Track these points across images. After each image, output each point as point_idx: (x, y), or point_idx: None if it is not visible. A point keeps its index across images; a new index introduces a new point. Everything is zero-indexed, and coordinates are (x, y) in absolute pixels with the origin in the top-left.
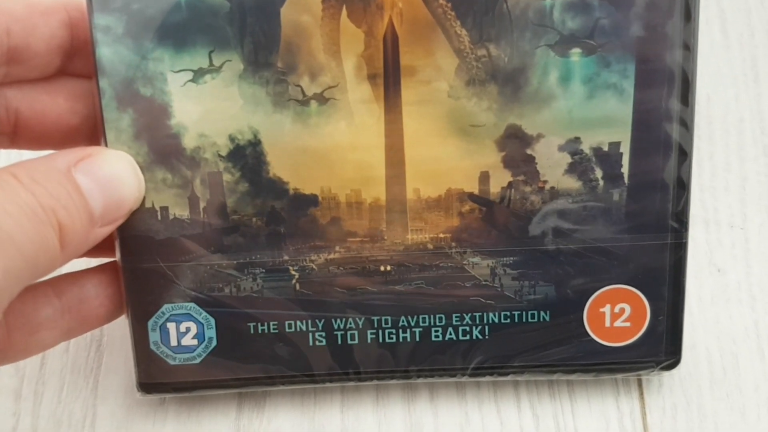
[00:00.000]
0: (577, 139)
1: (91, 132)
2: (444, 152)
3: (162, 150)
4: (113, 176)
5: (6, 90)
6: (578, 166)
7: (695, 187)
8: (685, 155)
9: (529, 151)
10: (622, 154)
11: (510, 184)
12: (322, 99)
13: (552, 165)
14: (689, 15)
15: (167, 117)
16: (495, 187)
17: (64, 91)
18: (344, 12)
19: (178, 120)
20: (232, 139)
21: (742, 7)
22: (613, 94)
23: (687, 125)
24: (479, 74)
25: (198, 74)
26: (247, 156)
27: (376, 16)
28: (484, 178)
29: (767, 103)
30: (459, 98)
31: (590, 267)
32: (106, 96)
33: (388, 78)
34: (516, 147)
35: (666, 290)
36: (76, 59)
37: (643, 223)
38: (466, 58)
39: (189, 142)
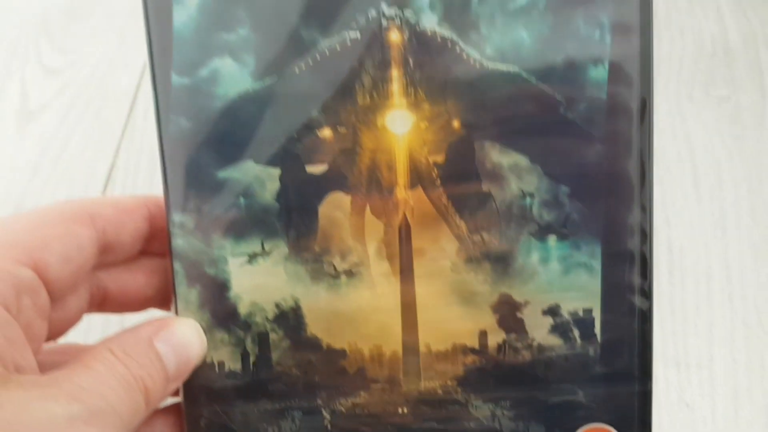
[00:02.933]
0: (557, 306)
1: (161, 298)
2: (449, 315)
3: (221, 316)
4: (184, 342)
5: (98, 272)
6: (559, 327)
7: (668, 331)
8: (646, 319)
9: (518, 315)
10: (594, 318)
11: (504, 341)
12: (350, 274)
13: (537, 326)
14: (644, 207)
15: (226, 290)
16: (492, 343)
17: (142, 269)
18: (368, 208)
19: (235, 292)
20: (277, 305)
21: (712, 162)
22: (585, 271)
23: (647, 295)
24: (476, 254)
25: (252, 257)
26: (289, 319)
27: (393, 211)
28: (483, 336)
29: (733, 254)
30: (460, 273)
31: (573, 409)
32: (178, 276)
33: (403, 257)
34: (508, 311)
35: (636, 427)
36: (153, 243)
37: (614, 373)
38: (465, 242)
39: (243, 309)
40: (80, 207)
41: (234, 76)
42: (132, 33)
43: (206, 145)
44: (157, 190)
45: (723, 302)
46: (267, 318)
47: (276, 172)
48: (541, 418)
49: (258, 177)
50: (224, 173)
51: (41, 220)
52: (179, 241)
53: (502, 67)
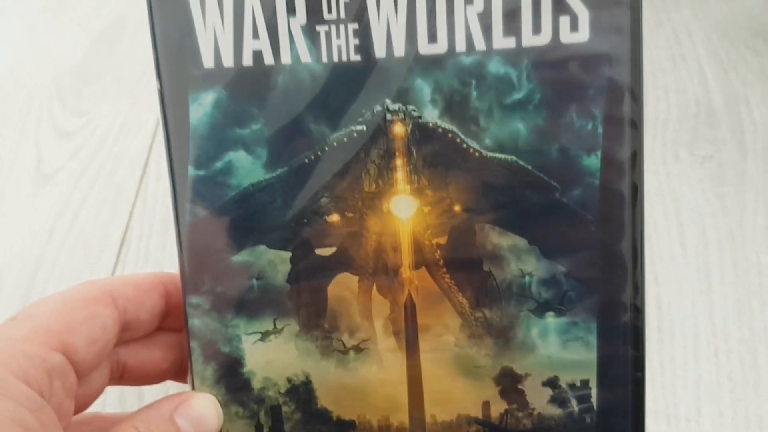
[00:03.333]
0: (556, 378)
1: (177, 371)
2: (454, 387)
3: (236, 390)
4: (202, 415)
5: (118, 348)
6: (558, 397)
7: (658, 385)
8: (640, 388)
9: (519, 386)
10: (591, 388)
11: (506, 411)
12: (358, 349)
13: (538, 397)
14: (637, 286)
15: (241, 366)
16: (495, 413)
17: (159, 344)
18: (374, 288)
19: (249, 368)
20: (289, 380)
21: (697, 220)
22: (581, 345)
23: (641, 366)
24: (478, 330)
25: (265, 335)
26: (300, 393)
27: (399, 290)
28: (486, 406)
29: (718, 309)
30: (463, 347)
31: None
32: (195, 353)
33: (409, 333)
34: (509, 383)
35: None
36: (169, 319)
37: None
38: (468, 318)
39: (256, 383)
40: (102, 289)
41: (247, 168)
42: (142, 96)
43: (221, 231)
44: (170, 253)
45: (709, 357)
46: (279, 392)
47: (287, 255)
48: None
49: (270, 260)
50: (238, 257)
51: (68, 304)
52: (195, 321)
53: (500, 156)
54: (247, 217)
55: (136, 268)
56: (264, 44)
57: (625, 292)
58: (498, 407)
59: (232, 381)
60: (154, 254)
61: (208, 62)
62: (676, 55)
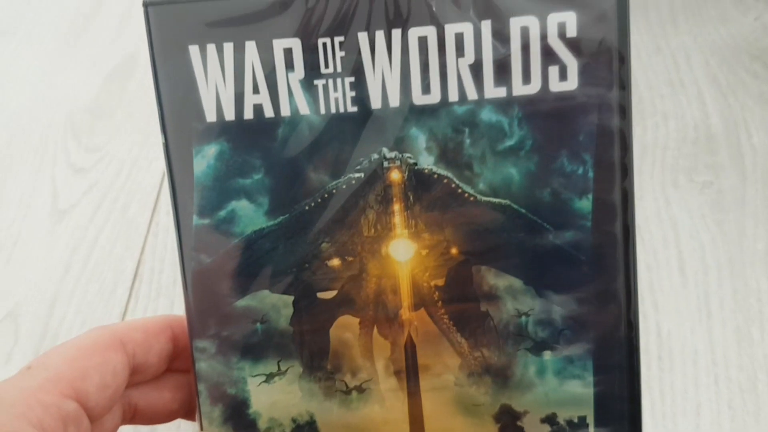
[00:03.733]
0: (554, 414)
1: (187, 410)
2: (454, 425)
3: (242, 431)
4: None
5: (129, 390)
6: None
7: (658, 413)
8: (636, 423)
9: (518, 423)
10: (588, 424)
11: None
12: (360, 389)
13: None
14: (631, 323)
15: (246, 407)
16: None
17: (168, 385)
18: (375, 329)
19: (255, 409)
20: (294, 420)
21: (696, 247)
22: (578, 382)
23: (637, 401)
24: (477, 369)
25: (269, 377)
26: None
27: (399, 331)
28: None
29: (718, 336)
30: (463, 386)
31: None
32: (202, 396)
33: (409, 373)
34: (508, 421)
35: None
36: (177, 361)
37: None
38: (467, 358)
39: (262, 424)
40: (112, 334)
41: (250, 216)
42: (154, 131)
43: (225, 277)
44: (181, 287)
45: (709, 385)
46: None
47: (290, 299)
48: None
49: (273, 305)
50: (242, 302)
51: (80, 351)
52: (202, 365)
53: (495, 200)
54: (250, 264)
55: (148, 302)
56: (264, 98)
57: (620, 329)
58: None
59: (239, 422)
60: (166, 288)
61: (210, 116)
62: (674, 81)
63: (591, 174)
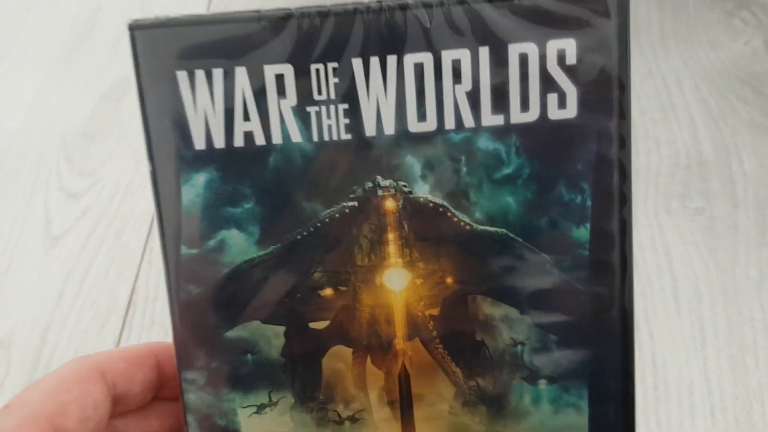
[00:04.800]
0: None
1: None
2: None
3: None
4: None
5: (114, 420)
6: None
7: None
8: None
9: None
10: None
11: None
12: (353, 419)
13: None
14: (627, 350)
15: None
16: None
17: (156, 414)
18: (369, 360)
19: None
20: None
21: (690, 275)
22: (573, 411)
23: (631, 429)
24: (471, 398)
25: (260, 408)
26: None
27: (392, 361)
28: None
29: (713, 366)
30: (458, 415)
31: None
32: (191, 427)
33: (403, 403)
34: None
35: None
36: (163, 389)
37: None
38: (461, 387)
39: None
40: (91, 365)
41: (240, 246)
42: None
43: (214, 308)
44: None
45: (705, 415)
46: None
47: (281, 329)
48: None
49: (264, 335)
50: (232, 333)
51: (58, 385)
52: (191, 396)
53: (491, 229)
54: (240, 294)
55: (142, 331)
56: (255, 125)
57: (615, 358)
58: None
59: None
60: (160, 316)
61: (199, 144)
62: (666, 105)
63: (589, 203)
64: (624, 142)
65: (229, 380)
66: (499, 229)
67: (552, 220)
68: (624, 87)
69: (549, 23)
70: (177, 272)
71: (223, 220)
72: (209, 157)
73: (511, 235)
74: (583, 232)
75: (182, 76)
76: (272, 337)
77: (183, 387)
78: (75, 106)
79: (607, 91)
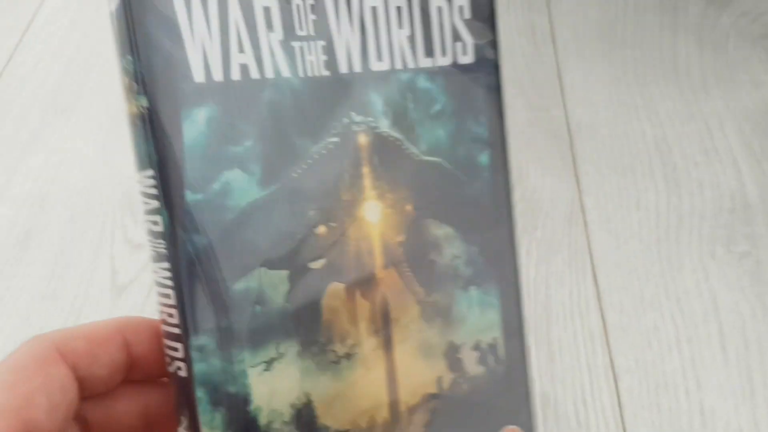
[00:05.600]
0: (479, 341)
1: (146, 424)
2: (418, 371)
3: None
4: None
5: (82, 404)
6: (482, 358)
7: None
8: (521, 337)
9: (458, 356)
10: (498, 345)
11: (452, 381)
12: (348, 356)
13: (470, 361)
14: (514, 253)
15: (247, 404)
16: (446, 386)
17: (124, 399)
18: (358, 292)
19: (256, 404)
20: (292, 406)
21: (737, 321)
22: (492, 309)
23: (522, 320)
24: (431, 314)
25: (269, 363)
26: (303, 416)
27: (375, 291)
28: (439, 381)
29: (762, 415)
30: (422, 332)
31: (492, 414)
32: (202, 403)
33: (386, 330)
34: (452, 355)
35: (532, 419)
36: (134, 371)
37: (515, 384)
38: (424, 305)
39: (263, 419)
40: (49, 345)
41: (243, 188)
42: None
43: (222, 259)
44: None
45: None
46: (284, 421)
47: (285, 274)
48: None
49: (270, 282)
50: (240, 285)
51: (17, 373)
52: (201, 366)
53: (431, 159)
54: (246, 240)
55: None
56: (249, 58)
57: (515, 260)
58: (447, 379)
59: (241, 423)
60: None
61: (198, 76)
62: (708, 148)
63: (486, 134)
64: (500, 88)
65: (240, 338)
66: (436, 159)
67: (467, 149)
68: (496, 45)
69: None
70: (182, 222)
71: (226, 160)
72: (209, 90)
73: (444, 163)
74: (485, 158)
75: (179, 3)
76: (278, 283)
77: (192, 357)
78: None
79: (493, 44)
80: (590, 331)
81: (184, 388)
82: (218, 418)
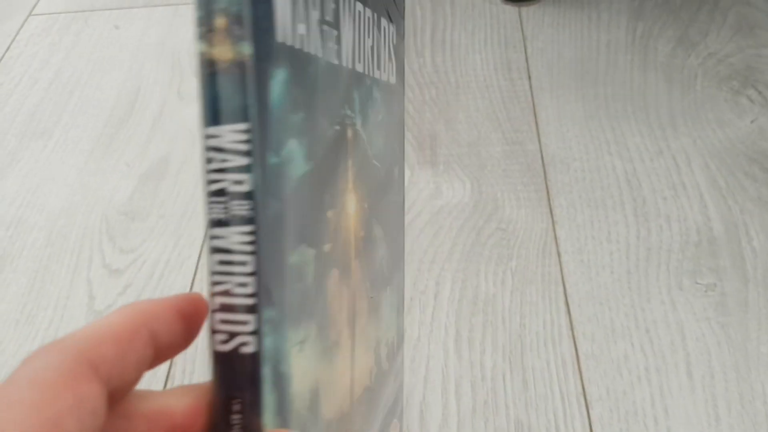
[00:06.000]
0: (386, 339)
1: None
2: (364, 364)
3: (285, 415)
4: None
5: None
6: (388, 354)
7: None
8: None
9: (379, 351)
10: (401, 347)
11: (375, 373)
12: (336, 344)
13: (384, 356)
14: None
15: (289, 386)
16: (372, 377)
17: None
18: (345, 281)
19: (294, 388)
20: (310, 391)
21: (703, 351)
22: (395, 310)
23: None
24: (373, 309)
25: (302, 344)
26: (313, 403)
27: (351, 280)
28: (371, 373)
29: None
30: (369, 325)
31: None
32: (267, 384)
33: (354, 320)
34: (376, 349)
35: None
36: (155, 364)
37: None
38: (370, 300)
39: (295, 404)
40: (79, 358)
41: (298, 159)
42: (185, 232)
43: (287, 227)
44: None
45: None
46: (306, 407)
47: (313, 253)
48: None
49: (308, 260)
50: (292, 258)
51: (46, 390)
52: (269, 341)
53: (376, 162)
54: (296, 213)
55: None
56: (304, 29)
57: (403, 269)
58: (373, 372)
59: (284, 407)
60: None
61: (280, 35)
62: (676, 183)
63: (398, 150)
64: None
65: (291, 314)
66: (377, 163)
67: (390, 161)
68: (401, 61)
69: (391, 14)
70: (264, 184)
71: (289, 128)
72: (284, 53)
73: (381, 169)
74: (397, 172)
75: None
76: (310, 261)
77: (263, 331)
78: (116, 186)
79: (400, 66)
80: (563, 359)
81: (246, 367)
82: (273, 401)
